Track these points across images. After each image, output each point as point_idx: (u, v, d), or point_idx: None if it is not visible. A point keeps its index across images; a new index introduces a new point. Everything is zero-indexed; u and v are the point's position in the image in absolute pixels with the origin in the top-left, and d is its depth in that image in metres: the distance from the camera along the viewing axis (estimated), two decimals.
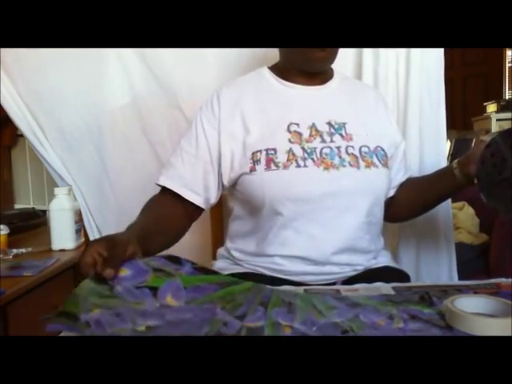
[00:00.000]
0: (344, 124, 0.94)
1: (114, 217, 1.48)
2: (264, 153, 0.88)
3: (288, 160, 0.88)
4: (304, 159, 0.88)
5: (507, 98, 4.04)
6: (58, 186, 1.48)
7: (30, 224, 1.76)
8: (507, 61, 4.12)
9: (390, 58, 1.26)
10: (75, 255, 1.42)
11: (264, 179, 0.87)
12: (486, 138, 0.82)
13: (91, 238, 1.48)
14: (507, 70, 4.14)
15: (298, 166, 0.87)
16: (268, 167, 0.87)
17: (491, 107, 3.37)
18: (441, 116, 1.25)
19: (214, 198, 0.97)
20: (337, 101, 0.98)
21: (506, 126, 3.10)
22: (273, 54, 1.03)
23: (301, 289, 0.77)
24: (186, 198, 0.94)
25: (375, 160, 0.93)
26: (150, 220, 0.90)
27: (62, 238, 1.44)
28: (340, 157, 0.90)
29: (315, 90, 0.97)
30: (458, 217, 1.87)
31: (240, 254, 0.96)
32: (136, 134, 1.43)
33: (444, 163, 1.27)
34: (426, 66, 1.24)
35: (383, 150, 0.95)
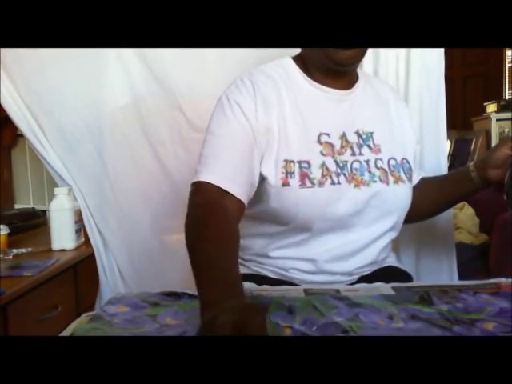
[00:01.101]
0: (371, 134, 0.89)
1: (114, 217, 1.48)
2: (297, 165, 0.82)
3: (323, 176, 0.82)
4: (337, 175, 0.83)
5: (507, 97, 4.03)
6: (58, 186, 1.48)
7: (30, 224, 1.77)
8: (507, 61, 4.12)
9: (390, 58, 1.26)
10: (75, 255, 1.42)
11: (299, 197, 0.81)
12: (507, 152, 0.83)
13: (91, 238, 1.48)
14: (507, 69, 4.14)
15: (333, 183, 0.83)
16: (303, 184, 0.81)
17: (491, 107, 3.37)
18: (441, 116, 1.25)
19: (252, 193, 0.84)
20: (363, 107, 0.92)
21: (505, 126, 3.10)
22: (276, 53, 1.01)
23: (300, 289, 0.77)
24: (229, 191, 0.78)
25: (402, 175, 0.90)
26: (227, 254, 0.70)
27: (62, 238, 1.44)
28: (369, 171, 0.86)
29: (343, 95, 0.90)
30: (458, 217, 1.87)
31: (247, 252, 0.93)
32: (136, 134, 1.43)
33: (444, 163, 1.27)
34: (426, 65, 1.24)
35: (408, 162, 0.93)
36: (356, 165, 0.86)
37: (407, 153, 0.94)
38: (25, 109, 1.43)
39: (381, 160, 0.88)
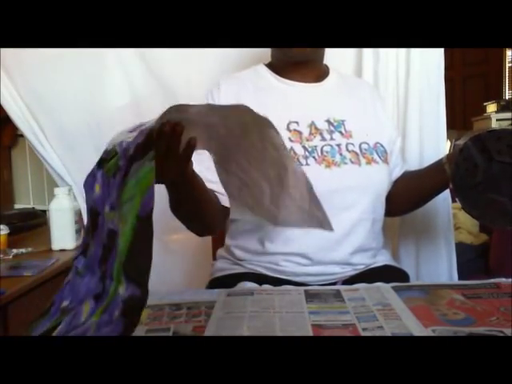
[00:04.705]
0: (343, 121, 0.94)
1: None
2: None
3: None
4: (305, 158, 0.88)
5: (507, 97, 4.04)
6: (58, 186, 1.48)
7: (29, 224, 1.76)
8: (507, 61, 4.12)
9: (390, 58, 1.26)
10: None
11: None
12: (460, 142, 0.83)
13: None
14: (507, 69, 4.14)
15: (300, 164, 0.87)
16: None
17: (491, 107, 3.37)
18: (441, 116, 1.25)
19: None
20: (334, 98, 0.99)
21: (505, 126, 3.10)
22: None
23: (301, 289, 0.77)
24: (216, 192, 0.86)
25: (375, 156, 0.93)
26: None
27: (62, 238, 1.44)
28: (341, 154, 0.90)
29: (312, 87, 0.98)
30: (458, 217, 1.87)
31: (240, 251, 0.95)
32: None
33: None
34: (426, 65, 1.24)
35: (383, 146, 0.96)
36: (327, 148, 0.91)
37: (382, 138, 0.97)
38: (25, 109, 1.43)
39: (352, 144, 0.93)
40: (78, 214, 1.47)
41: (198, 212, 0.82)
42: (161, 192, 1.56)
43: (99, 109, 1.44)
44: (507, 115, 3.10)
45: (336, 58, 1.07)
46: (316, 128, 0.92)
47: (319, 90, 0.98)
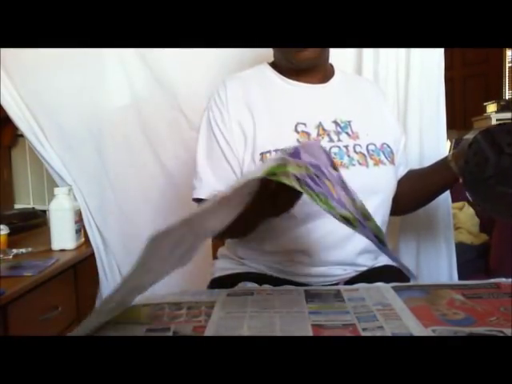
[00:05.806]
0: (349, 122, 0.94)
1: (113, 217, 1.48)
2: (273, 154, 0.86)
3: None
4: None
5: (507, 97, 4.03)
6: (58, 186, 1.48)
7: (30, 224, 1.77)
8: (507, 61, 4.12)
9: (390, 58, 1.26)
10: (75, 255, 1.42)
11: None
12: (469, 137, 0.83)
13: (91, 238, 1.48)
14: (507, 69, 4.14)
15: None
16: None
17: (491, 107, 3.37)
18: (441, 116, 1.26)
19: None
20: (340, 98, 0.98)
21: None
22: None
23: (301, 289, 0.77)
24: None
25: (383, 158, 0.93)
26: None
27: (62, 238, 1.44)
28: (349, 156, 0.90)
29: (318, 88, 0.97)
30: (457, 217, 1.87)
31: (243, 250, 0.95)
32: (136, 134, 1.43)
33: None
34: (426, 65, 1.24)
35: (389, 146, 0.95)
36: (335, 150, 0.90)
37: (388, 139, 0.96)
38: (25, 109, 1.43)
39: (359, 145, 0.92)
40: (78, 214, 1.47)
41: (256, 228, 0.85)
42: (162, 192, 1.56)
43: (99, 109, 1.44)
44: (507, 115, 3.10)
45: (336, 57, 1.07)
46: (323, 129, 0.91)
47: (324, 91, 0.97)
